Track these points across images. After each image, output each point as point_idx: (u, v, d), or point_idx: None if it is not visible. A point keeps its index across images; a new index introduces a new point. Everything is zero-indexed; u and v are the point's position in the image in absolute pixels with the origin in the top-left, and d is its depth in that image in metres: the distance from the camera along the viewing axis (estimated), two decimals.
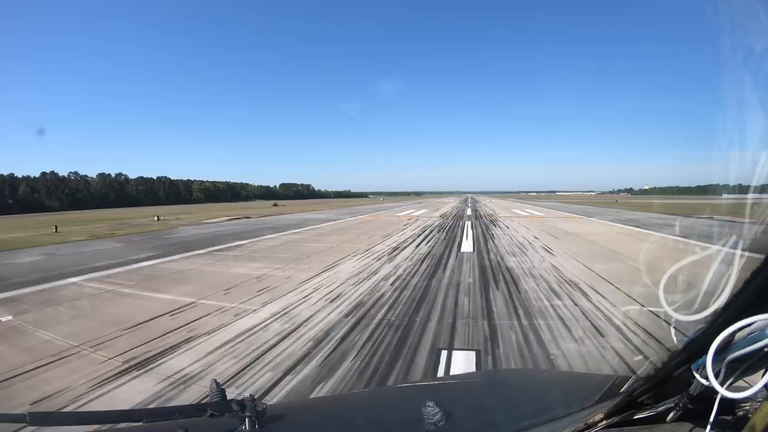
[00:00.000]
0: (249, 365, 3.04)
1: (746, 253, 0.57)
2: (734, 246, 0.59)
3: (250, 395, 0.89)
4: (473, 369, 2.89)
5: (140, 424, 0.79)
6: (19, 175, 78.34)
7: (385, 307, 4.51)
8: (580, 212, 23.26)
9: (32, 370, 2.99)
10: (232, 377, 2.84)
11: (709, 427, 0.66)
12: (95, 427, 0.80)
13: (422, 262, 7.36)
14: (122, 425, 0.81)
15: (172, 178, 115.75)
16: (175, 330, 3.86)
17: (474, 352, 3.20)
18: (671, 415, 0.78)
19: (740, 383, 0.62)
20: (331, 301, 4.79)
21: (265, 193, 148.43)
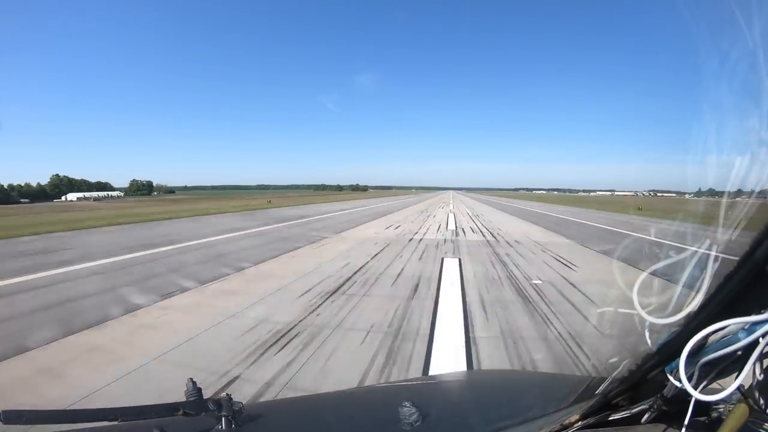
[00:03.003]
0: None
1: (720, 257, 0.57)
2: (708, 249, 0.59)
3: (227, 394, 0.88)
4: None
5: (116, 423, 0.77)
6: None
7: None
8: None
9: None
10: None
11: (684, 429, 0.67)
12: (70, 425, 0.78)
13: None
14: (96, 424, 0.79)
15: None
16: None
17: None
18: (646, 416, 0.78)
19: (714, 385, 0.62)
20: None
21: None
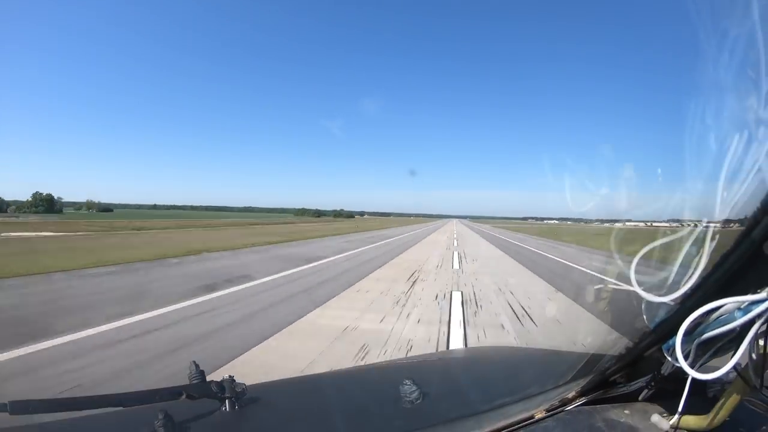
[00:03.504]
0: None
1: (717, 236, 0.57)
2: (705, 228, 0.59)
3: (230, 376, 0.89)
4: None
5: (120, 408, 0.79)
6: None
7: None
8: None
9: None
10: None
11: (680, 406, 0.67)
12: (75, 413, 0.80)
13: None
14: (102, 410, 0.80)
15: None
16: None
17: None
18: (643, 393, 0.79)
19: (711, 364, 0.63)
20: None
21: None
